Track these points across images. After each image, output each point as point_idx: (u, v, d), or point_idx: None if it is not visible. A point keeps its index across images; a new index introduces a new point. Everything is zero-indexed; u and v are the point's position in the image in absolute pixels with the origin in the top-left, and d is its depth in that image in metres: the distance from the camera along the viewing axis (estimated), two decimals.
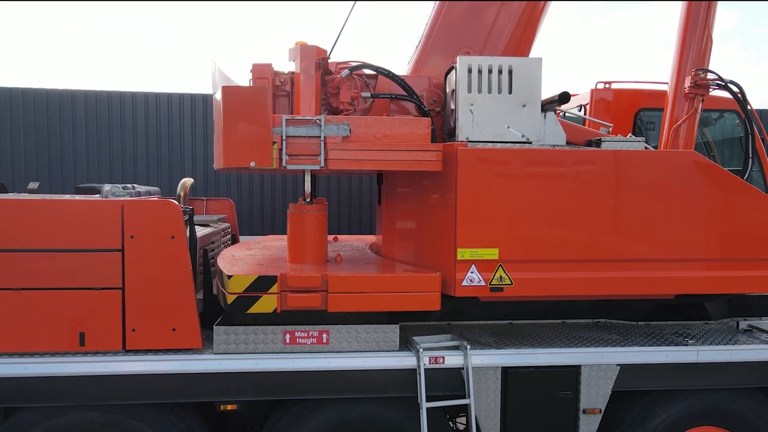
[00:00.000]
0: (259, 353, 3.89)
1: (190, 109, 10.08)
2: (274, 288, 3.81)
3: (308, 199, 4.31)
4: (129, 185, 4.80)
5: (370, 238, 6.32)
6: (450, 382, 3.99)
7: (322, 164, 3.89)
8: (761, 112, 10.67)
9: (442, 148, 4.03)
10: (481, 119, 4.10)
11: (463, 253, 3.92)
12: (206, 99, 9.99)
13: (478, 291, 3.96)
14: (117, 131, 9.93)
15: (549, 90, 4.34)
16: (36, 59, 23.52)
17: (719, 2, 5.32)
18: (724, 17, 28.94)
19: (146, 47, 25.03)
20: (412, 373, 3.93)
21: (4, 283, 3.69)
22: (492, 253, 3.94)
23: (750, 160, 5.50)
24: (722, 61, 27.72)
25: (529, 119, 4.12)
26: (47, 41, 24.78)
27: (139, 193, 4.73)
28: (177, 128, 10.07)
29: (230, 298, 3.81)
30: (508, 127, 4.10)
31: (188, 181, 5.94)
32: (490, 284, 3.95)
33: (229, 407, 3.96)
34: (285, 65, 4.49)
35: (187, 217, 4.16)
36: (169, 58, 26.13)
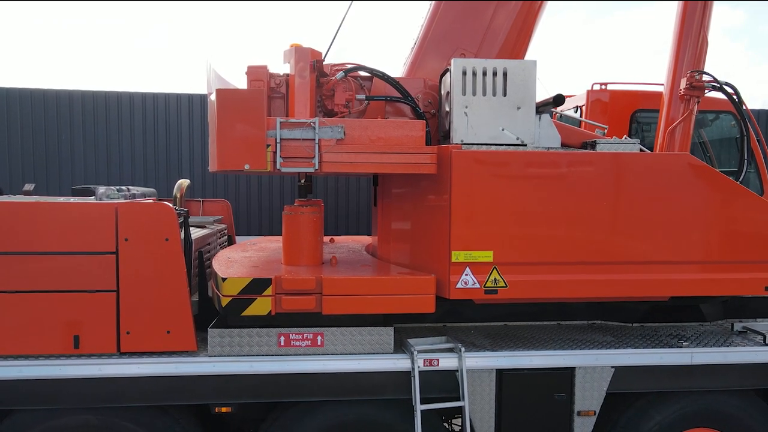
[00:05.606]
0: (253, 356, 3.89)
1: (187, 110, 10.08)
2: (269, 290, 3.81)
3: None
4: (124, 187, 4.80)
5: (367, 239, 6.31)
6: (445, 384, 4.00)
7: (317, 167, 3.88)
8: (758, 113, 10.68)
9: (437, 150, 4.03)
10: (475, 121, 4.10)
11: (458, 256, 3.93)
12: (203, 99, 9.98)
13: (472, 293, 3.97)
14: (114, 132, 9.94)
15: (545, 91, 4.36)
16: (35, 59, 23.50)
17: (716, 3, 5.32)
18: (730, 16, 28.76)
19: (144, 48, 25.02)
20: (406, 375, 3.94)
21: None
22: (486, 256, 3.95)
23: (746, 161, 5.51)
24: (725, 61, 27.55)
25: (524, 121, 4.13)
26: (46, 41, 24.76)
27: (134, 195, 4.72)
28: (174, 129, 10.06)
29: (225, 301, 3.81)
30: (503, 130, 4.11)
31: (185, 182, 5.93)
32: (484, 286, 3.95)
33: (223, 409, 3.97)
34: (280, 67, 4.50)
35: (181, 219, 4.16)
36: (166, 58, 26.12)
